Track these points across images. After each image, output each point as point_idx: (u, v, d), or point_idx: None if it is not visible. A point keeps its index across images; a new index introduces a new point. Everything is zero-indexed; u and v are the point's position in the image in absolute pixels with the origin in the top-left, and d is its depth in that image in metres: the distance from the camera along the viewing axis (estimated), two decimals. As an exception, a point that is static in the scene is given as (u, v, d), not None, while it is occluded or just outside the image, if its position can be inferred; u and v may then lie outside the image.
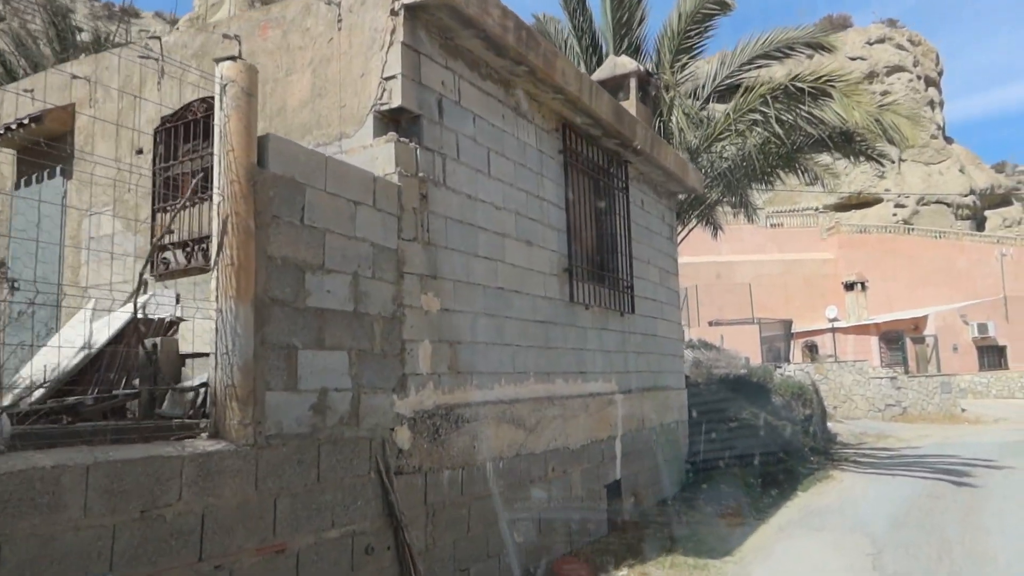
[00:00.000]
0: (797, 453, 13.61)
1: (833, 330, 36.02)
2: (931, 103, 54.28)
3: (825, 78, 10.22)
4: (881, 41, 55.00)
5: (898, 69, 53.81)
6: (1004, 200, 56.28)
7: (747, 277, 43.03)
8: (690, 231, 14.13)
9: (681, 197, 12.14)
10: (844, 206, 51.15)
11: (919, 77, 54.34)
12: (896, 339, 30.81)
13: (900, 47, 54.95)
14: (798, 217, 46.81)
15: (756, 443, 12.72)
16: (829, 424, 19.39)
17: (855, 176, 51.40)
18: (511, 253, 6.19)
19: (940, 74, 58.42)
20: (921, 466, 13.12)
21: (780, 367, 23.21)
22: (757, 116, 10.65)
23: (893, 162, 51.26)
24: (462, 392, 5.34)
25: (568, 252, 7.10)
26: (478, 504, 5.38)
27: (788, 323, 34.87)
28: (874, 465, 13.59)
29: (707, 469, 10.62)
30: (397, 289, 4.82)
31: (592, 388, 7.38)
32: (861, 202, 51.47)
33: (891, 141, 11.62)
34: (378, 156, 5.06)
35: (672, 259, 10.34)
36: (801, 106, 10.45)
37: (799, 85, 10.30)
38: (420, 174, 5.15)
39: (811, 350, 38.17)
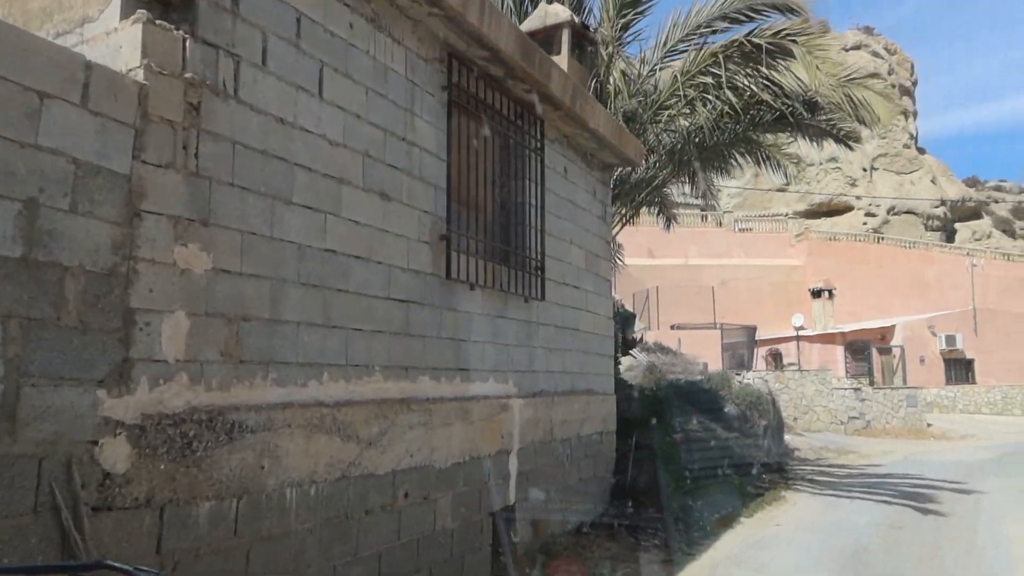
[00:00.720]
0: (748, 470, 12.20)
1: (798, 338, 34.92)
2: (905, 112, 53.61)
3: (786, 32, 8.78)
4: (857, 48, 54.26)
5: (873, 76, 52.59)
6: (974, 213, 55.82)
7: (714, 281, 41.92)
8: (632, 215, 12.61)
9: (620, 171, 10.67)
10: (815, 213, 50.28)
11: (894, 86, 53.57)
12: (862, 349, 29.71)
13: (876, 55, 54.27)
14: (768, 222, 45.76)
15: (702, 458, 11.29)
16: (787, 437, 18.07)
17: (827, 183, 50.56)
18: (353, 206, 4.64)
19: (915, 84, 57.89)
20: (883, 488, 11.77)
21: (740, 374, 21.88)
22: (708, 80, 9.19)
23: (860, 142, 50.58)
24: (246, 389, 3.76)
25: (447, 215, 5.56)
26: (266, 547, 3.81)
27: (752, 329, 33.68)
28: (832, 485, 12.21)
29: (639, 489, 9.12)
30: (124, 233, 3.24)
31: (477, 389, 5.84)
32: (832, 209, 50.62)
33: (861, 120, 10.25)
34: (122, 44, 3.48)
35: (604, 242, 8.84)
36: (759, 68, 9.01)
37: (756, 41, 8.85)
38: (189, 75, 3.58)
39: (776, 358, 37.07)
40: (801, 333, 36.25)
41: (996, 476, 13.50)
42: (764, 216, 46.52)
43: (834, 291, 35.50)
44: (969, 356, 29.72)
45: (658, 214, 14.80)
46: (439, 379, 5.37)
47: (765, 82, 9.07)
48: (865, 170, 50.98)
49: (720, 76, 8.90)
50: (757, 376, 21.71)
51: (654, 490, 9.52)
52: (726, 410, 16.12)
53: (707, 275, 41.91)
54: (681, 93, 9.22)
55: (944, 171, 55.67)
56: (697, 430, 12.51)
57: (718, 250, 43.05)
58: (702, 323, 34.01)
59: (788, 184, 53.34)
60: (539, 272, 6.90)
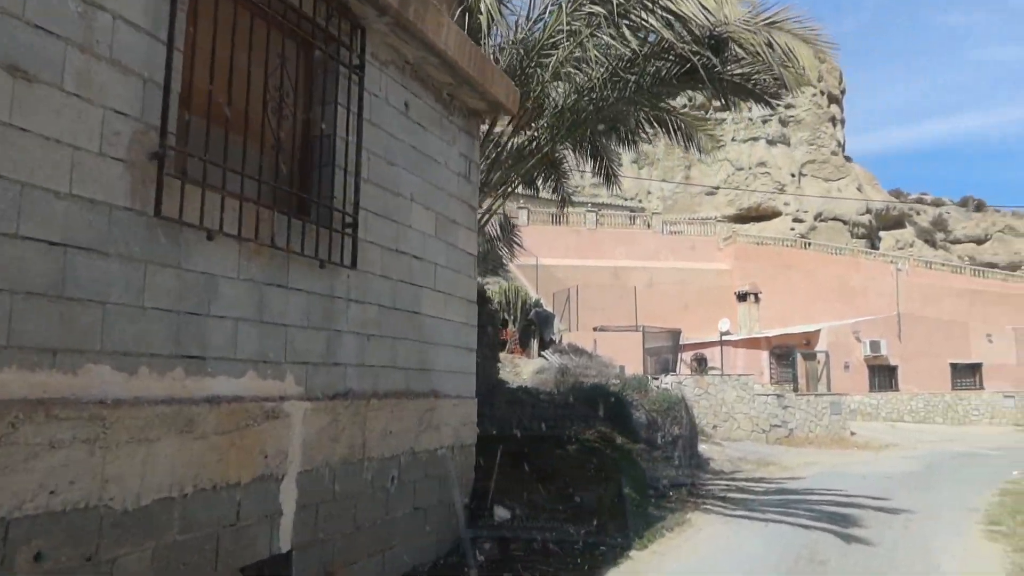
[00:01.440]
0: (651, 487, 10.60)
1: (722, 343, 33.96)
2: (833, 119, 53.77)
3: (690, -57, 7.16)
4: (788, 54, 54.12)
5: (803, 83, 52.92)
6: (898, 222, 56.37)
7: (641, 283, 40.83)
8: (510, 188, 10.90)
9: (498, 131, 8.95)
10: (743, 218, 49.85)
11: (822, 92, 53.76)
12: (787, 355, 28.78)
13: (806, 61, 54.16)
14: (697, 225, 44.92)
15: (596, 475, 9.60)
16: (704, 447, 16.65)
17: (756, 187, 50.16)
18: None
19: (843, 93, 58.22)
20: (803, 507, 10.31)
21: (659, 379, 20.46)
22: (599, 9, 7.51)
23: (783, 105, 50.29)
24: None
25: (162, 122, 3.66)
26: None
27: (676, 333, 32.52)
28: (747, 504, 10.70)
29: (506, 517, 7.37)
30: None
31: (219, 387, 3.97)
32: (760, 214, 50.27)
33: (782, 82, 8.75)
34: None
35: (467, 207, 7.06)
36: (658, -1, 7.37)
37: (653, -42, 7.22)
38: None
39: (700, 363, 36.06)
40: (726, 338, 35.37)
41: (923, 491, 12.27)
42: (693, 219, 45.70)
43: (760, 295, 34.70)
44: (893, 363, 29.13)
45: (554, 191, 13.05)
46: (134, 371, 3.48)
47: (666, 15, 7.45)
48: (793, 176, 50.81)
49: (612, 4, 7.25)
50: (676, 380, 20.34)
51: (532, 515, 7.80)
52: (636, 417, 14.56)
53: (634, 277, 40.78)
54: (565, 28, 7.51)
55: (870, 179, 56.08)
56: (595, 441, 10.86)
57: (646, 252, 42.01)
58: (626, 326, 32.68)
59: (717, 188, 52.97)
60: (349, 230, 5.07)
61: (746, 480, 13.55)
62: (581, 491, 8.28)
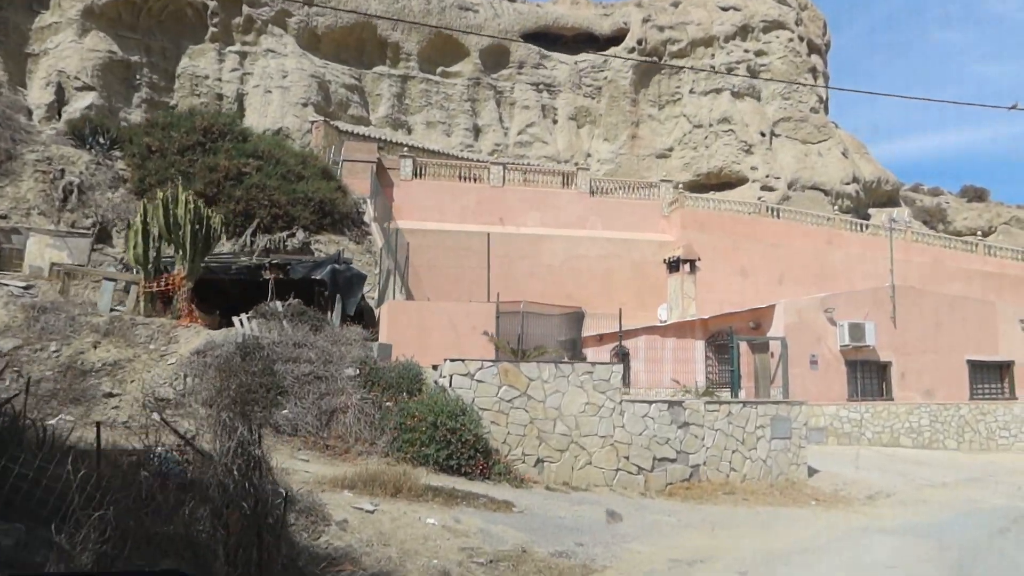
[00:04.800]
0: None
1: (648, 330, 24.34)
2: (813, 71, 44.24)
3: None
4: (760, -9, 44.63)
5: (777, 25, 43.59)
6: (891, 199, 46.79)
7: (559, 256, 31.19)
8: None
9: None
10: (702, 185, 40.22)
11: (801, 39, 44.26)
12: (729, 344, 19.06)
13: (782, 1, 44.76)
14: (636, 190, 35.07)
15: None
16: (482, 520, 6.87)
17: (717, 148, 40.53)
18: None
19: (827, 46, 48.72)
20: None
21: (439, 371, 10.78)
22: None
23: (752, 51, 40.77)
24: None
25: None
26: None
27: (576, 314, 22.85)
28: None
29: None
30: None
31: None
32: (723, 181, 40.68)
33: None
34: None
35: None
36: None
37: None
38: None
39: (622, 357, 26.35)
40: (657, 324, 25.69)
41: None
42: (630, 181, 35.98)
43: (697, 263, 25.05)
44: (884, 357, 19.50)
45: None
46: None
47: None
48: (764, 135, 41.23)
49: None
50: (466, 373, 10.55)
51: None
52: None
53: (551, 249, 31.15)
54: None
55: (859, 147, 46.55)
56: None
57: (568, 218, 32.29)
58: (507, 302, 22.94)
59: (670, 150, 43.32)
60: None
61: None
62: None
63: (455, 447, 9.78)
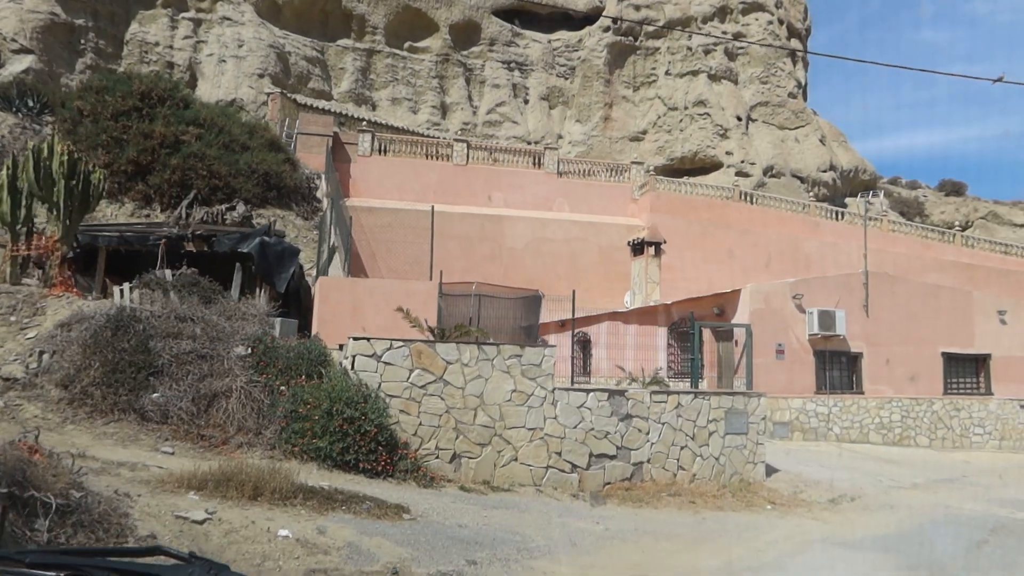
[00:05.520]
0: None
1: (611, 316, 23.08)
2: (792, 56, 43.01)
3: None
4: (741, -28, 43.28)
5: (757, 7, 42.28)
6: (868, 190, 45.79)
7: (523, 238, 29.84)
8: None
9: None
10: (675, 170, 38.91)
11: (781, 21, 43.01)
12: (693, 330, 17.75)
13: (763, -17, 43.42)
14: (605, 173, 33.68)
15: None
16: (368, 544, 5.37)
17: (691, 132, 39.25)
18: None
19: (808, 32, 47.52)
20: None
21: (343, 351, 9.36)
22: None
23: (729, 33, 39.53)
24: None
25: None
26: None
27: (533, 298, 21.52)
28: None
29: None
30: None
31: None
32: (696, 166, 39.43)
33: None
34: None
35: None
36: None
37: None
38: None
39: (583, 346, 25.09)
40: (619, 310, 24.40)
41: None
42: (599, 161, 34.64)
43: (662, 245, 23.77)
44: (855, 348, 18.33)
45: None
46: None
47: None
48: (740, 120, 39.99)
49: None
50: (372, 355, 9.14)
51: None
52: None
53: (514, 231, 29.78)
54: None
55: (837, 135, 45.49)
56: None
57: (535, 198, 30.88)
58: (462, 283, 21.61)
59: (644, 132, 41.99)
60: None
61: None
62: None
63: (353, 439, 8.38)
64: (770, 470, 11.87)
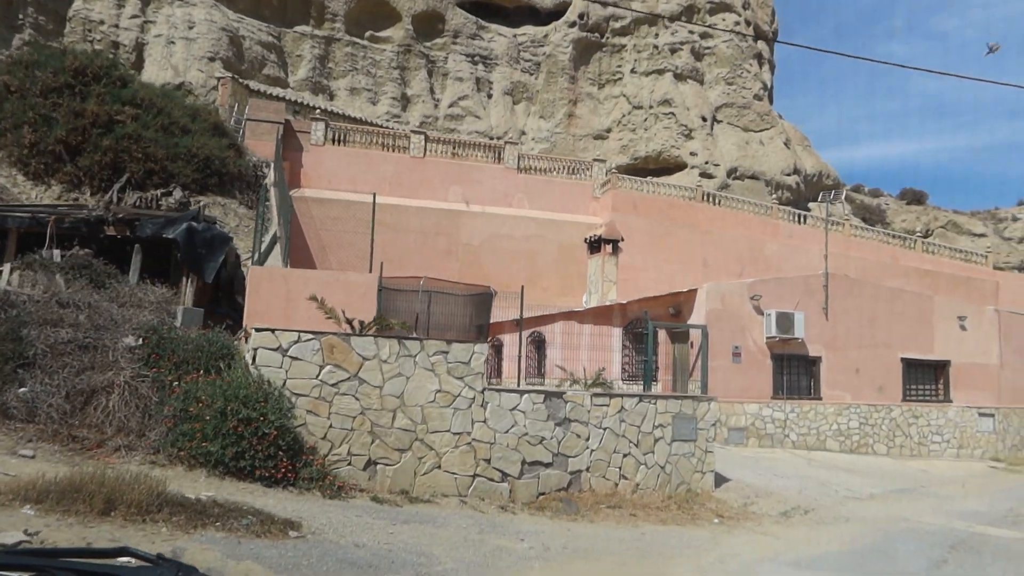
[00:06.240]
0: None
1: (567, 315, 22.28)
2: (758, 56, 42.69)
3: None
4: (709, -28, 42.83)
5: (724, 8, 41.85)
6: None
7: (480, 236, 28.94)
8: None
9: None
10: (639, 169, 38.27)
11: (748, 23, 42.64)
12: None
13: (730, -17, 43.03)
14: (565, 172, 32.87)
15: None
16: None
17: (656, 132, 38.65)
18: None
19: (775, 35, 47.27)
20: None
21: (246, 341, 8.32)
22: None
23: (696, 32, 39.13)
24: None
25: None
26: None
27: (484, 295, 20.56)
28: None
29: None
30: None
31: None
32: (660, 166, 38.84)
33: None
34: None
35: None
36: None
37: None
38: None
39: (538, 346, 24.27)
40: (576, 309, 23.60)
41: None
42: (560, 157, 33.87)
43: (620, 243, 23.03)
44: (814, 352, 17.73)
45: None
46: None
47: None
48: (705, 120, 39.49)
49: None
50: (276, 347, 8.16)
51: None
52: None
53: (471, 227, 28.88)
54: None
55: (801, 139, 45.32)
56: None
57: (493, 194, 30.00)
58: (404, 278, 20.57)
59: (608, 131, 41.30)
60: None
61: None
62: None
63: (249, 443, 7.41)
64: (720, 479, 11.11)
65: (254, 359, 8.07)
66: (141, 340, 8.29)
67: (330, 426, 8.21)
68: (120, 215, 15.30)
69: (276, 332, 8.20)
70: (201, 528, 5.71)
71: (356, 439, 8.26)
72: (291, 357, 8.17)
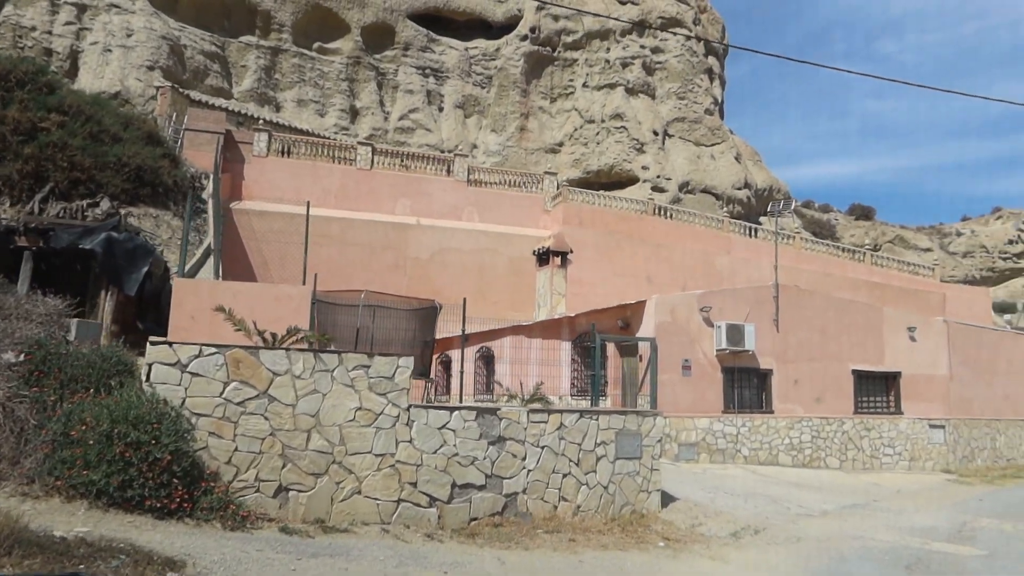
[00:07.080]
0: None
1: (514, 330, 21.66)
2: (709, 72, 42.91)
3: None
4: (659, -13, 43.01)
5: (675, 23, 41.98)
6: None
7: (428, 250, 28.22)
8: None
9: None
10: (592, 183, 37.99)
11: (699, 39, 42.85)
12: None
13: (682, 0, 43.29)
14: (515, 186, 32.39)
15: None
16: None
17: (608, 145, 38.46)
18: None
19: (725, 52, 47.67)
20: None
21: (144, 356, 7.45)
22: None
23: (648, 47, 39.05)
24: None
25: None
26: None
27: (429, 309, 19.85)
28: None
29: None
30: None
31: None
32: (612, 180, 38.63)
33: None
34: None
35: None
36: None
37: None
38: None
39: (487, 362, 23.59)
40: (523, 323, 23.00)
41: None
42: (511, 171, 33.40)
43: (569, 255, 22.54)
44: (765, 365, 17.38)
45: None
46: None
47: None
48: (656, 134, 39.44)
49: None
50: (174, 362, 7.36)
51: None
52: None
53: (419, 241, 28.14)
54: None
55: (752, 154, 45.62)
56: None
57: (441, 207, 29.34)
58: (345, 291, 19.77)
59: (560, 144, 41.02)
60: None
61: None
62: None
63: (138, 470, 6.60)
64: (668, 499, 10.54)
65: (148, 376, 7.28)
66: (23, 356, 7.45)
67: (236, 449, 7.43)
68: (33, 225, 14.29)
69: (174, 346, 7.42)
70: (59, 572, 4.91)
71: (265, 463, 7.50)
72: (191, 373, 7.39)
